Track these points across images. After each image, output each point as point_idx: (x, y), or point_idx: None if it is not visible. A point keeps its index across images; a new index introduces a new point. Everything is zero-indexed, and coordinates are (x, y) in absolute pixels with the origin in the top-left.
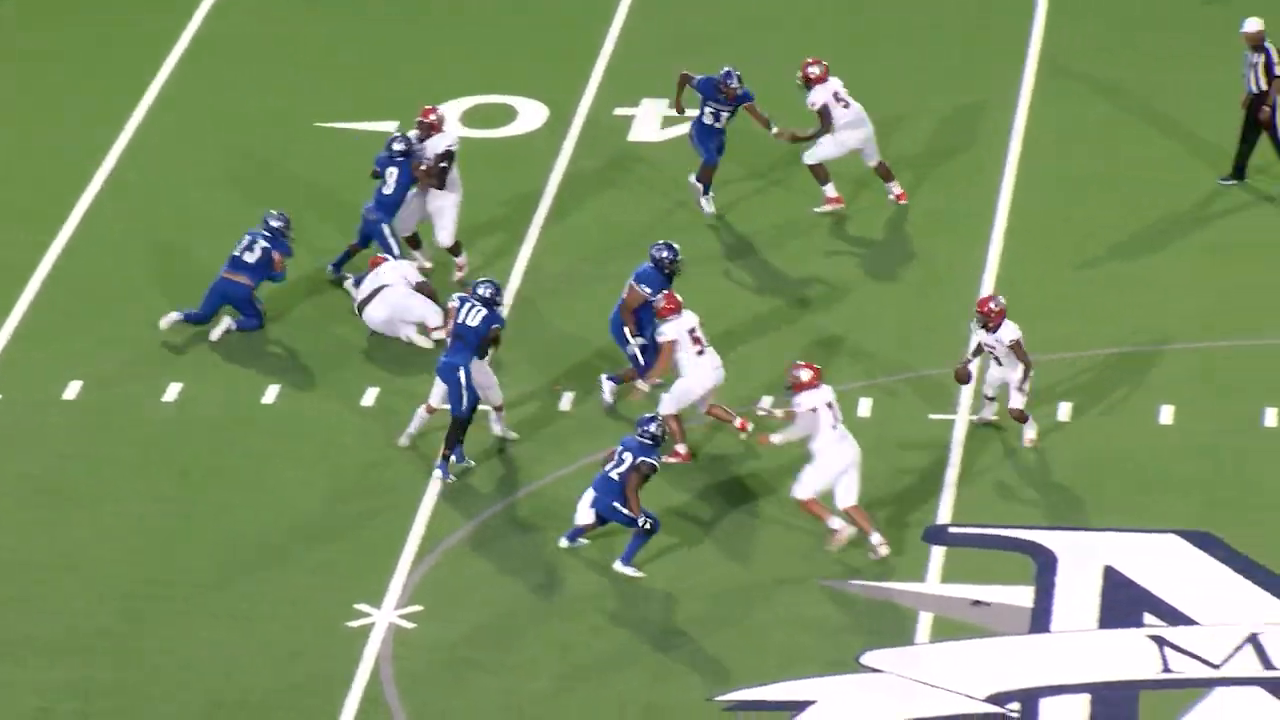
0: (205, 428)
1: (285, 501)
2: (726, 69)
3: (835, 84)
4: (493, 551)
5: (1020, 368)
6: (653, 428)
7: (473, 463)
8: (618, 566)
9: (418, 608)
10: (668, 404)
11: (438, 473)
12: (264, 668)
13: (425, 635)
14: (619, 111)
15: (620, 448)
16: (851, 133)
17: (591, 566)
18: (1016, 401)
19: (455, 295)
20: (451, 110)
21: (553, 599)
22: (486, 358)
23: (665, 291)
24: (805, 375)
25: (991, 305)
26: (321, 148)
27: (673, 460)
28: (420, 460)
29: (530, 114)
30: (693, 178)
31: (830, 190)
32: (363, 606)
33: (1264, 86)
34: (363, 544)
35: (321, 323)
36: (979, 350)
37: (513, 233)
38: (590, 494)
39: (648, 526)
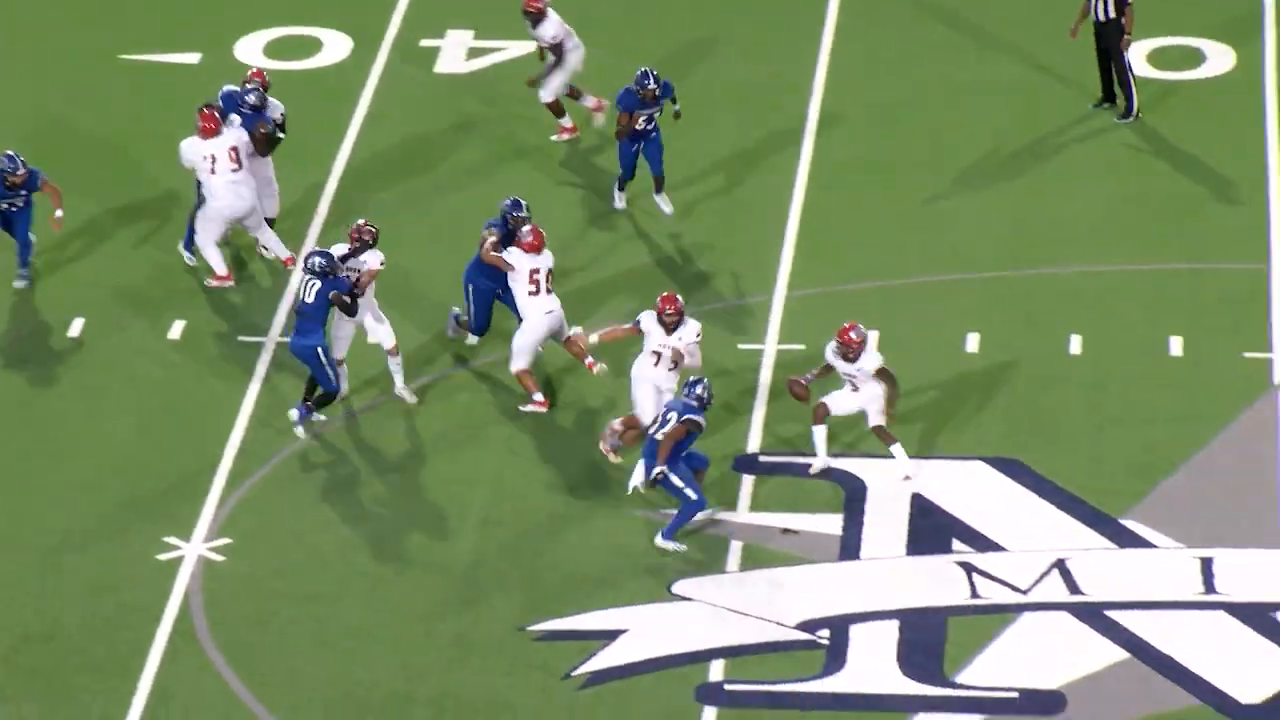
0: (9, 361)
1: (93, 435)
2: (641, 70)
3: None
4: (302, 485)
5: (884, 388)
6: (699, 390)
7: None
8: (659, 542)
9: (227, 540)
10: (515, 361)
11: (294, 415)
12: (73, 601)
13: (234, 568)
14: (425, 43)
15: (666, 408)
16: (576, 55)
17: (401, 500)
18: (879, 420)
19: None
20: (255, 42)
21: (361, 532)
22: (356, 315)
23: (532, 226)
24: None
25: (852, 335)
26: (130, 79)
27: (531, 409)
28: (228, 392)
29: (335, 45)
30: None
31: (566, 120)
32: (172, 539)
33: (1112, 15)
34: (171, 477)
35: (129, 255)
36: (826, 371)
37: (320, 165)
38: (641, 463)
39: (679, 484)
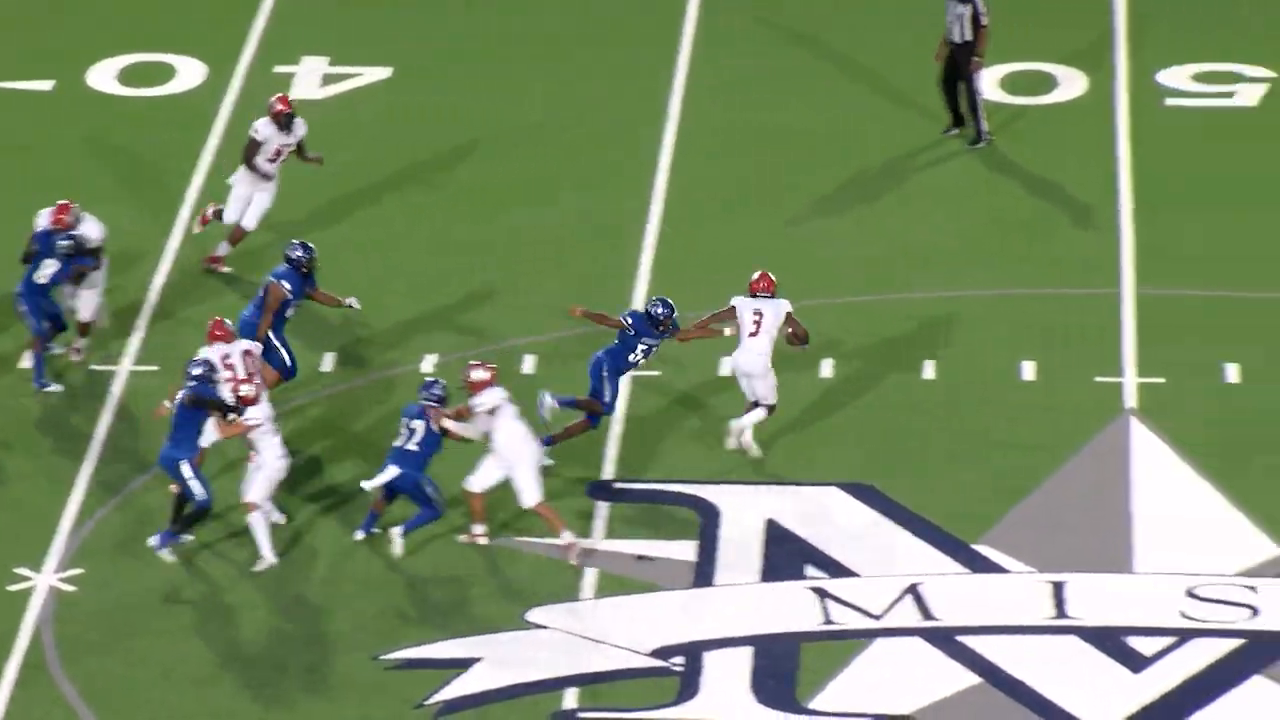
0: None
1: None
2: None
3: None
4: (155, 516)
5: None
6: (437, 390)
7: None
8: (394, 533)
9: (78, 571)
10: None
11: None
12: None
13: (86, 599)
14: (279, 69)
15: (406, 418)
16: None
17: (249, 533)
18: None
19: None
20: (108, 69)
21: (213, 564)
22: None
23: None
24: (480, 375)
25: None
26: None
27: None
28: (81, 421)
29: (189, 72)
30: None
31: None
32: (23, 570)
33: (968, 37)
34: (22, 506)
35: None
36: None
37: (175, 192)
38: (390, 470)
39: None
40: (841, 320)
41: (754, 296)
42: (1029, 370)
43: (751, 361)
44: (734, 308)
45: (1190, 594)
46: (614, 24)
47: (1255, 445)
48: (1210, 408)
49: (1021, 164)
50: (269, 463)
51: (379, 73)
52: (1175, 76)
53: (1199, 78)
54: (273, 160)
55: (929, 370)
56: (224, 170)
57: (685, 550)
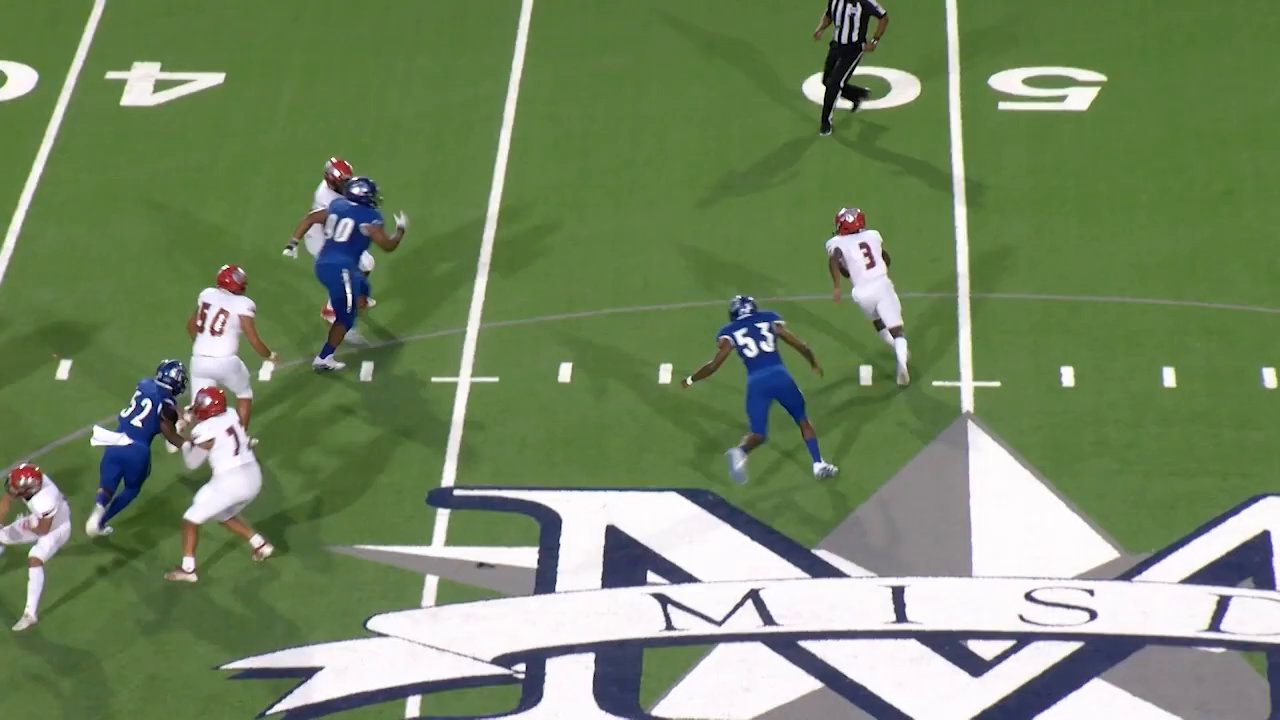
0: None
1: None
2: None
3: None
4: None
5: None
6: (174, 373)
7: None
8: (91, 526)
9: None
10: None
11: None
12: None
13: None
14: (111, 75)
15: (139, 393)
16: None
17: (98, 541)
18: None
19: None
20: None
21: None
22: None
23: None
24: (207, 401)
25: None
26: None
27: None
28: None
29: (19, 79)
30: None
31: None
32: None
33: (855, 39)
34: None
35: None
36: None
37: (8, 199)
38: (122, 437)
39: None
40: (679, 325)
41: (851, 234)
42: (866, 374)
43: (878, 289)
44: (836, 250)
45: (1029, 597)
46: (445, 29)
47: (1091, 447)
48: (1046, 410)
49: (856, 169)
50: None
51: (211, 79)
52: (1007, 81)
53: (1030, 82)
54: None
55: None
56: (56, 179)
57: (526, 557)
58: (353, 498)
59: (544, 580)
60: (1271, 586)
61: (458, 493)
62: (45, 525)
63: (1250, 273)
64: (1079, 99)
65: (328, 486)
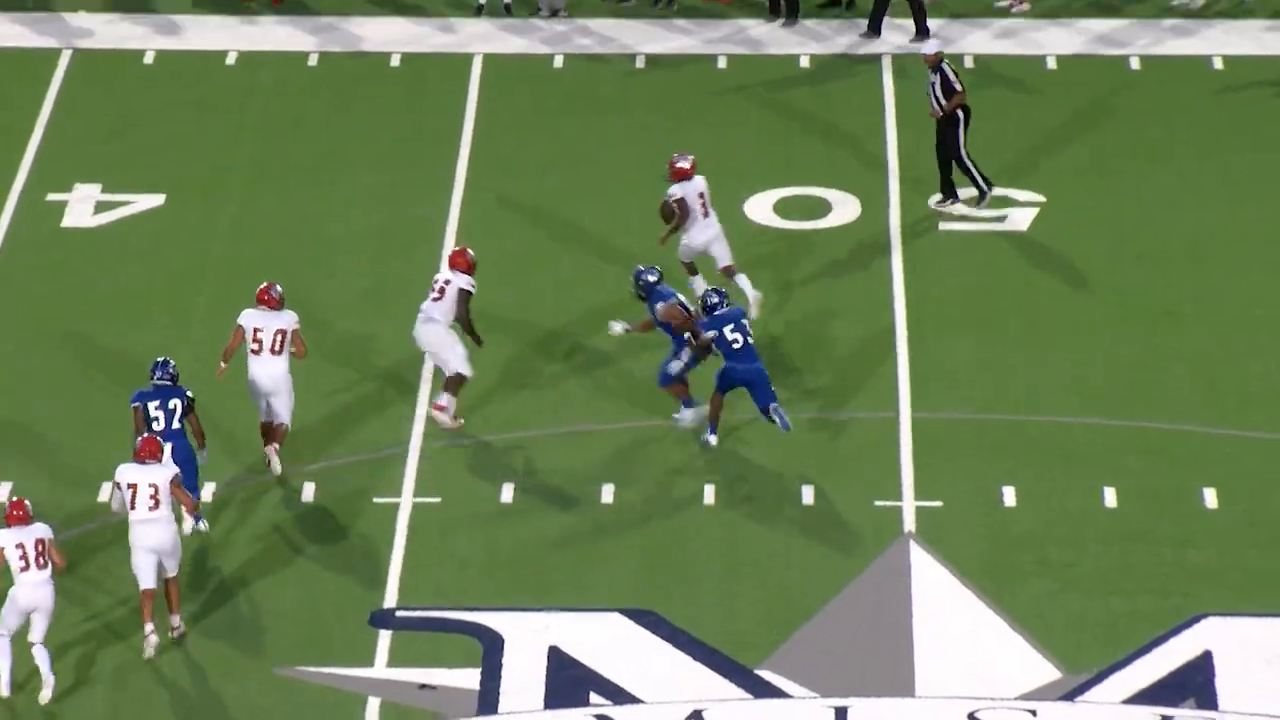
0: None
1: None
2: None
3: None
4: None
5: None
6: (172, 369)
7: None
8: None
9: None
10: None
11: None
12: None
13: None
14: (52, 197)
15: (157, 401)
16: None
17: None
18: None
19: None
20: None
21: None
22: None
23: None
24: (139, 445)
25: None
26: None
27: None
28: None
29: None
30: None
31: None
32: None
33: (942, 107)
34: None
35: None
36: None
37: None
38: None
39: None
40: (620, 445)
41: (689, 180)
42: (808, 494)
43: (713, 233)
44: (680, 199)
45: (972, 718)
46: (388, 147)
47: (1032, 567)
48: (987, 530)
49: (796, 288)
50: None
51: (151, 199)
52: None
53: (971, 202)
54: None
55: (709, 494)
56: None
57: (468, 678)
58: (295, 618)
59: (486, 702)
60: (1214, 707)
61: (400, 613)
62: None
63: (1190, 393)
64: (1019, 219)
65: (269, 607)
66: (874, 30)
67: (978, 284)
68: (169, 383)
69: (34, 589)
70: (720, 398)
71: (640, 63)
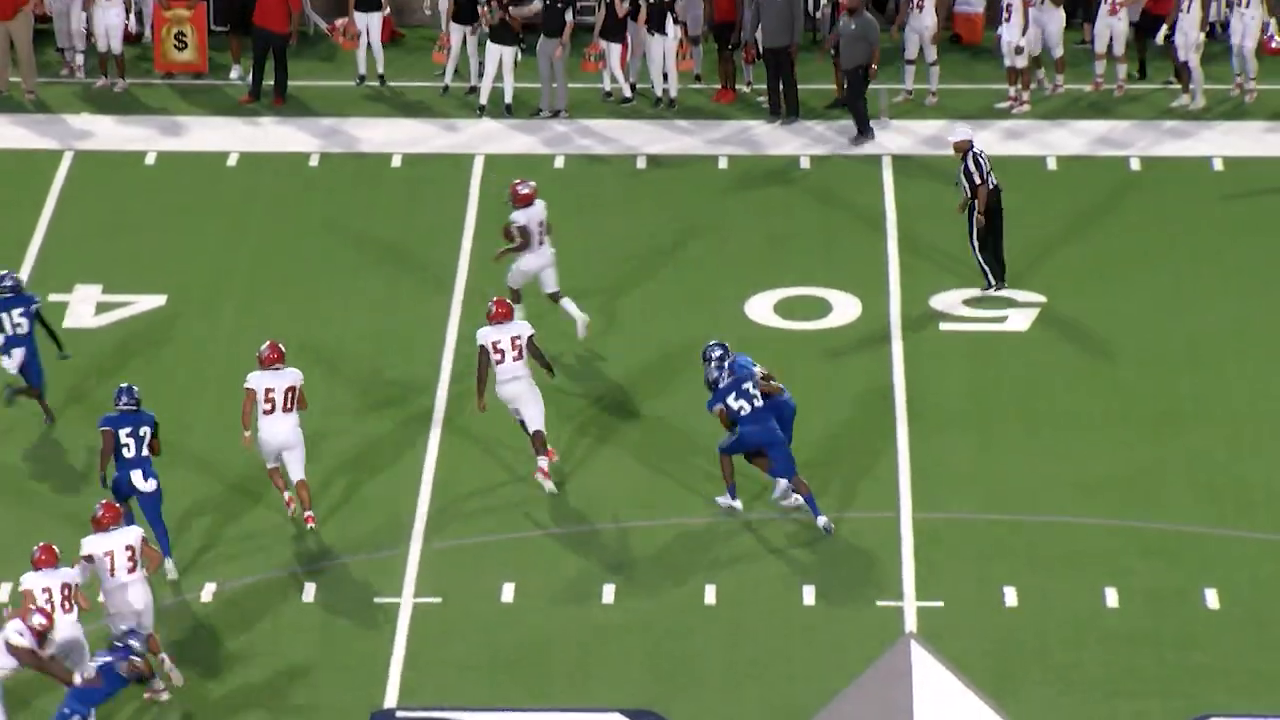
0: None
1: None
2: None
3: None
4: None
5: None
6: (136, 393)
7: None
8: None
9: None
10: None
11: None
12: None
13: None
14: (53, 298)
15: (129, 428)
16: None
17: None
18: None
19: None
20: None
21: None
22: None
23: None
24: (99, 513)
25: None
26: None
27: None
28: None
29: None
30: None
31: None
32: None
33: (968, 195)
34: None
35: None
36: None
37: None
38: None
39: None
40: (620, 544)
41: (530, 207)
42: (809, 594)
43: (546, 259)
44: (522, 225)
45: None
46: (388, 251)
47: (1034, 669)
48: (989, 631)
49: (797, 388)
50: None
51: (153, 300)
52: (948, 301)
53: (971, 302)
54: None
55: (710, 594)
56: None
57: None
58: (296, 717)
59: None
60: None
61: (400, 714)
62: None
63: (1191, 493)
64: (1019, 319)
65: (270, 707)
66: (863, 133)
67: (978, 383)
68: (134, 408)
69: (62, 631)
70: (730, 460)
71: (641, 163)
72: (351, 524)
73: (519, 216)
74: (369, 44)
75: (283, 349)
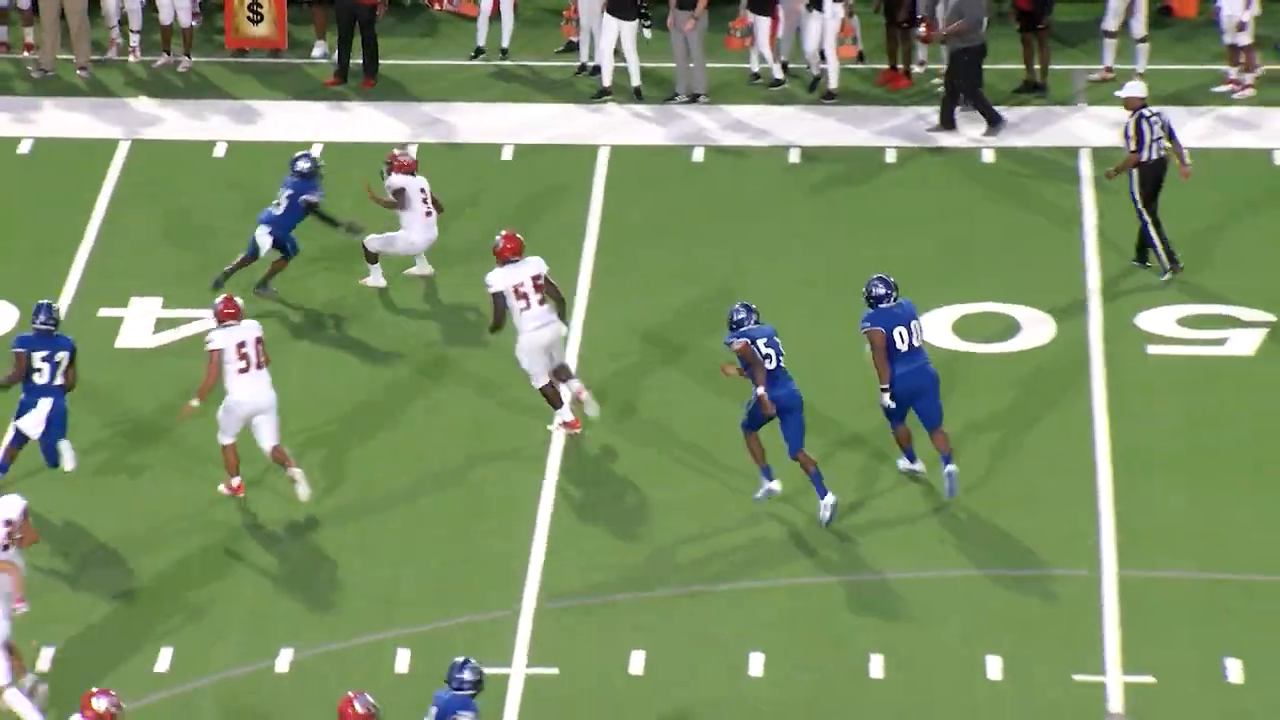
0: None
1: None
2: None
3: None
4: None
5: None
6: (53, 311)
7: None
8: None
9: None
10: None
11: None
12: None
13: None
14: (104, 313)
15: (45, 351)
16: None
17: None
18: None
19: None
20: None
21: None
22: None
23: (225, 297)
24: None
25: None
26: None
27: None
28: None
29: (2, 317)
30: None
31: None
32: None
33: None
34: None
35: None
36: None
37: None
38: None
39: None
40: (777, 605)
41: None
42: (995, 667)
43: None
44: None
45: None
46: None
47: None
48: (1210, 711)
49: (981, 424)
50: None
51: None
52: (1158, 320)
53: (1186, 322)
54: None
55: (876, 666)
56: None
57: None
58: None
59: None
60: None
61: None
62: None
63: None
64: (1244, 342)
65: None
66: (994, 124)
67: (1194, 419)
68: (52, 327)
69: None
70: (757, 439)
71: (794, 157)
72: (453, 582)
73: (397, 180)
74: (498, 10)
75: (239, 302)
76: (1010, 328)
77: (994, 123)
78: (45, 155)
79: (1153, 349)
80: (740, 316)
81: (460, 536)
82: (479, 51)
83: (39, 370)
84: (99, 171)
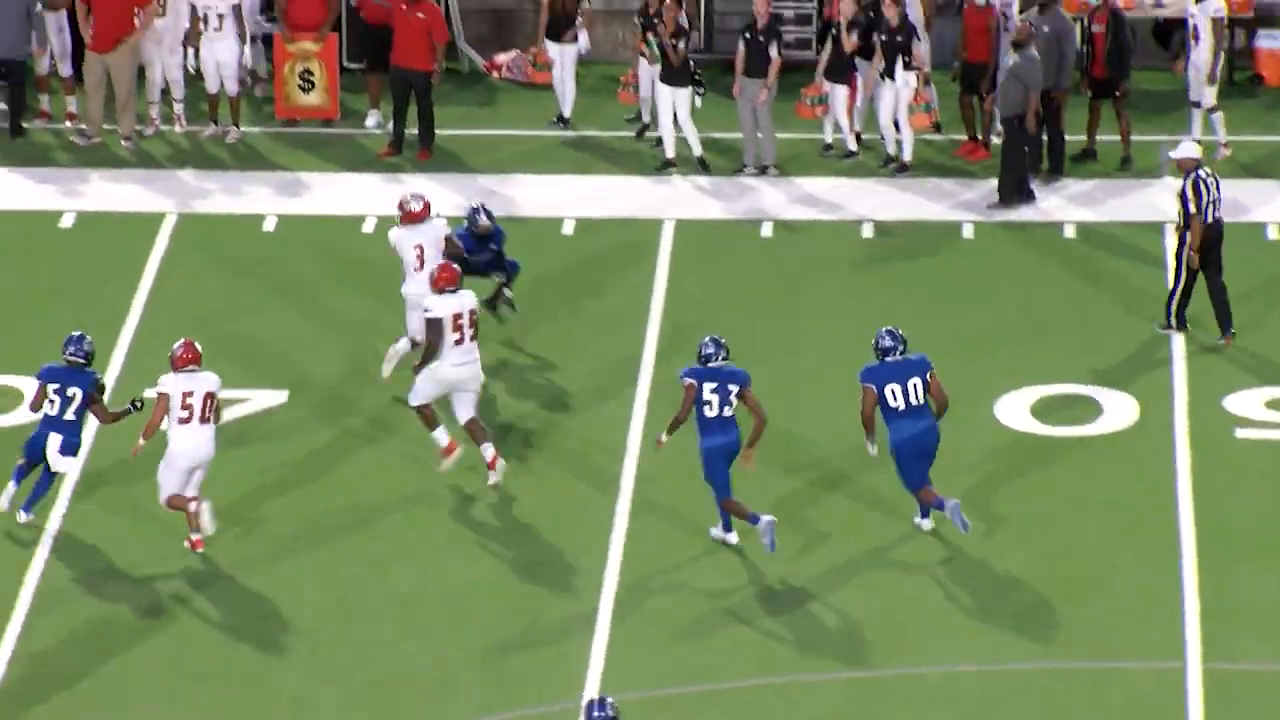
0: None
1: None
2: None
3: None
4: None
5: None
6: (87, 345)
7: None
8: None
9: None
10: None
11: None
12: None
13: None
14: (150, 393)
15: (57, 384)
16: None
17: None
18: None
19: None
20: None
21: None
22: None
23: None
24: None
25: None
26: None
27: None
28: None
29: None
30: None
31: None
32: None
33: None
34: None
35: None
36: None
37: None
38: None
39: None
40: (844, 700)
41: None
42: None
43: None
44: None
45: None
46: (554, 330)
47: None
48: None
49: (1056, 508)
50: None
51: (274, 396)
52: (1246, 402)
53: (1275, 404)
54: None
55: None
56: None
57: None
58: None
59: None
60: None
61: None
62: None
63: None
64: None
65: None
66: (1007, 199)
67: None
68: (82, 361)
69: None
70: (732, 501)
71: (868, 231)
72: (510, 671)
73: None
74: (561, 78)
75: (199, 349)
76: (1093, 410)
77: (1007, 198)
78: (88, 228)
79: (1241, 432)
80: (709, 351)
81: (521, 627)
82: (562, 120)
83: (51, 402)
84: (144, 245)
